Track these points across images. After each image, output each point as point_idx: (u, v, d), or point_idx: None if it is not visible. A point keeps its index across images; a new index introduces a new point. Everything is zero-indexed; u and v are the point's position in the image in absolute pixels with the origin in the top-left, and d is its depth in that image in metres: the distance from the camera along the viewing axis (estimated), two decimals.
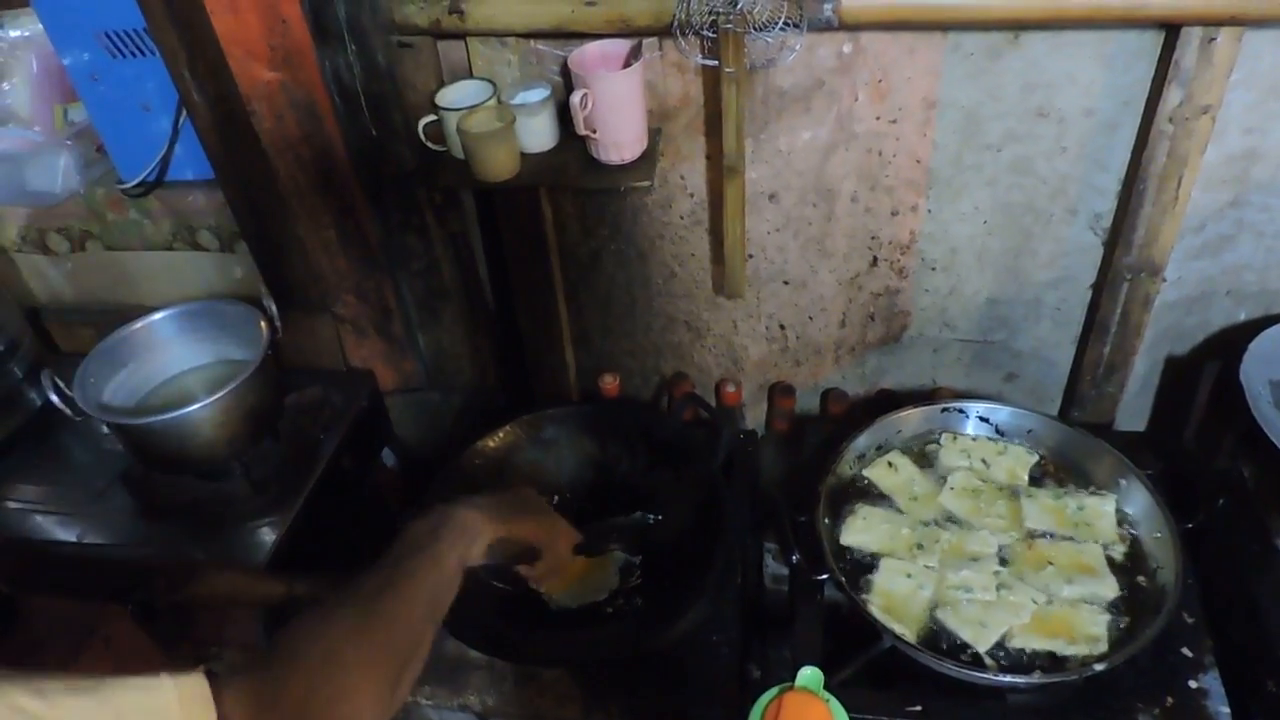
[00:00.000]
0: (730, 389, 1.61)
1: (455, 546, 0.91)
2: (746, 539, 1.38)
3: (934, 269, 1.45)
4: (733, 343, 1.62)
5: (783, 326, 1.57)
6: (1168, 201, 1.25)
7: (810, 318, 1.55)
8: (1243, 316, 1.41)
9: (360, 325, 1.64)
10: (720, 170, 1.32)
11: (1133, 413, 1.55)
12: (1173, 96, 1.17)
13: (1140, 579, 1.18)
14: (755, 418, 1.72)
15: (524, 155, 1.31)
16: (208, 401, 1.25)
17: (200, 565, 1.02)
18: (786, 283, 1.51)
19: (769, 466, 1.60)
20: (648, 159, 1.29)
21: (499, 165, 1.27)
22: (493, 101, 1.28)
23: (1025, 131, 1.28)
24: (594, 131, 1.24)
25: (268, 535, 1.30)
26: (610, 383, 1.63)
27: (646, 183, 1.26)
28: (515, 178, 1.29)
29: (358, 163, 1.40)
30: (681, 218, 1.46)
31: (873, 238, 1.43)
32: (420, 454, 1.71)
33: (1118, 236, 1.31)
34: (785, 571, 1.52)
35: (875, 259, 1.45)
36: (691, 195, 1.43)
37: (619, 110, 1.22)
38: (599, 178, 1.28)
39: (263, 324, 1.36)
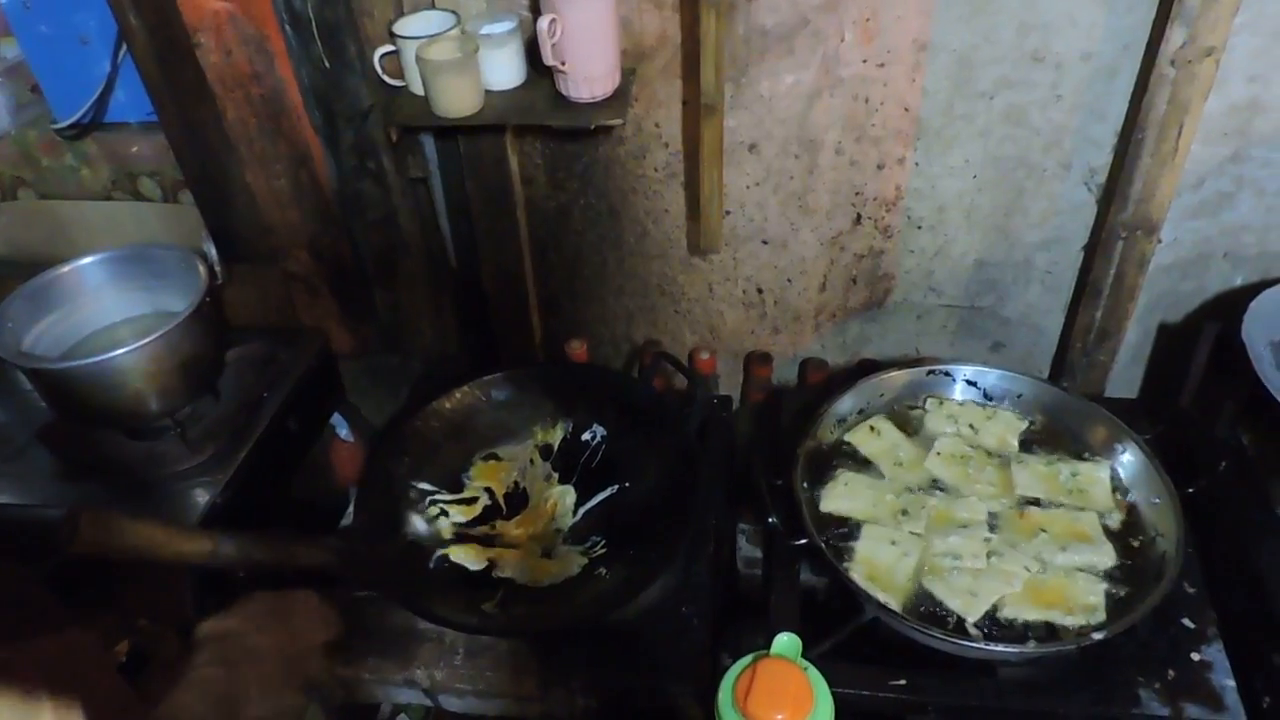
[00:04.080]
0: (704, 356, 1.53)
1: None
2: (721, 509, 1.30)
3: (920, 228, 1.38)
4: (708, 308, 1.54)
5: (760, 290, 1.49)
6: (1167, 152, 1.19)
7: (789, 280, 1.47)
8: (1239, 281, 1.36)
9: (313, 284, 1.55)
10: (698, 118, 1.24)
11: (1123, 384, 1.49)
12: (1175, 36, 1.10)
13: (1139, 547, 1.11)
14: (730, 390, 1.64)
15: (489, 93, 1.23)
16: (135, 346, 1.14)
17: (112, 515, 0.92)
18: (765, 242, 1.43)
19: (744, 438, 1.52)
20: (620, 97, 1.21)
21: (460, 99, 1.18)
22: (455, 31, 1.19)
23: (1020, 78, 1.21)
24: (563, 63, 1.15)
25: (200, 497, 1.20)
26: (578, 349, 1.54)
27: (619, 120, 1.18)
28: (478, 114, 1.20)
29: (310, 101, 1.31)
30: (656, 170, 1.38)
31: (857, 193, 1.35)
32: (376, 424, 1.61)
33: (1113, 192, 1.25)
34: (759, 555, 1.44)
35: (859, 216, 1.38)
36: (666, 145, 1.35)
37: (590, 38, 1.13)
38: (568, 115, 1.19)
39: (201, 269, 1.25)
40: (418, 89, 1.23)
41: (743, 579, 1.47)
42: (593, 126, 1.19)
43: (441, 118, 1.19)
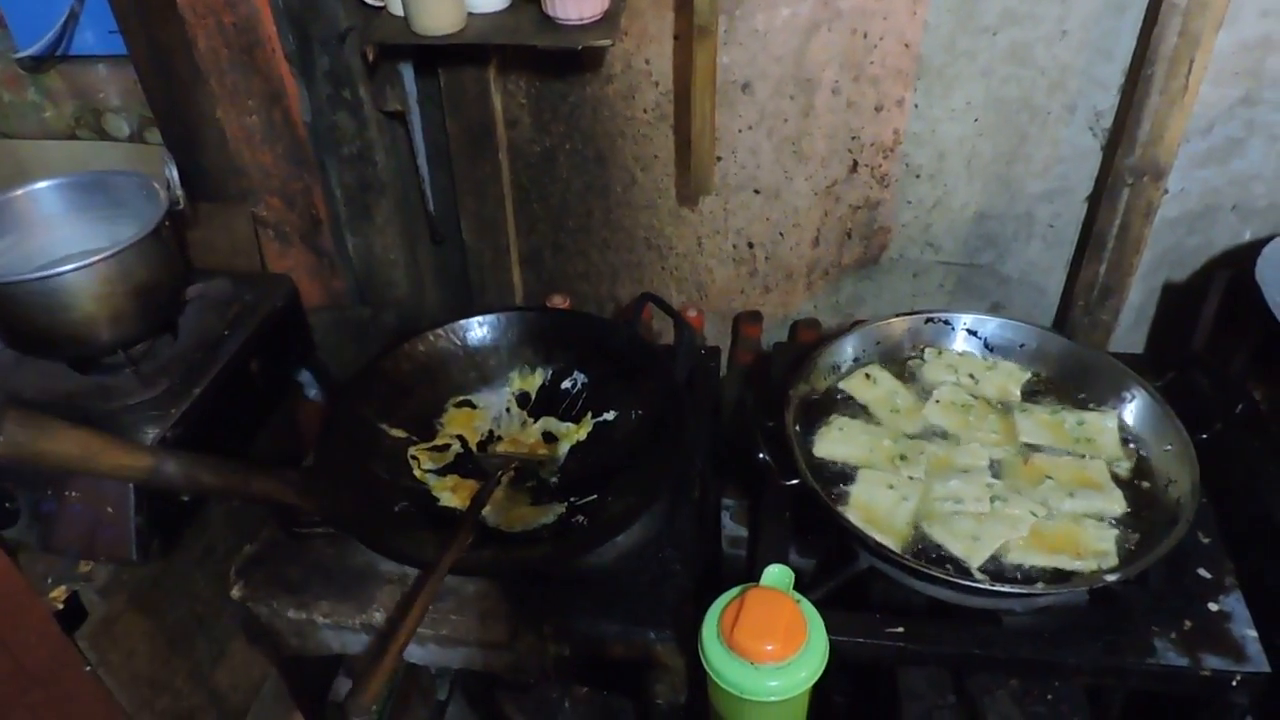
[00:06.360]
0: (692, 314, 1.46)
1: None
2: (706, 457, 1.22)
3: (918, 176, 1.33)
4: (696, 263, 1.47)
5: (751, 245, 1.44)
6: (1177, 90, 1.15)
7: (782, 234, 1.41)
8: (1248, 235, 1.31)
9: (284, 233, 1.47)
10: (690, 52, 1.19)
11: (1125, 347, 1.43)
12: None
13: (1150, 495, 1.04)
14: None
15: (472, 15, 1.17)
16: (85, 264, 1.07)
17: (45, 416, 0.84)
18: (758, 191, 1.38)
19: (731, 405, 1.45)
20: (610, 20, 1.15)
21: (441, 14, 1.12)
22: None
23: (1026, 11, 1.17)
24: None
25: (150, 432, 1.12)
26: (560, 304, 1.47)
27: (608, 41, 1.13)
28: (460, 33, 1.15)
29: (284, 25, 1.25)
30: (645, 111, 1.33)
31: (854, 138, 1.30)
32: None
33: (1120, 135, 1.20)
34: (743, 534, 1.36)
35: (855, 164, 1.33)
36: (657, 84, 1.30)
37: None
38: (555, 35, 1.14)
39: (162, 194, 1.18)
40: (397, 9, 1.17)
41: (727, 560, 1.39)
42: (580, 48, 1.13)
43: (421, 35, 1.14)
